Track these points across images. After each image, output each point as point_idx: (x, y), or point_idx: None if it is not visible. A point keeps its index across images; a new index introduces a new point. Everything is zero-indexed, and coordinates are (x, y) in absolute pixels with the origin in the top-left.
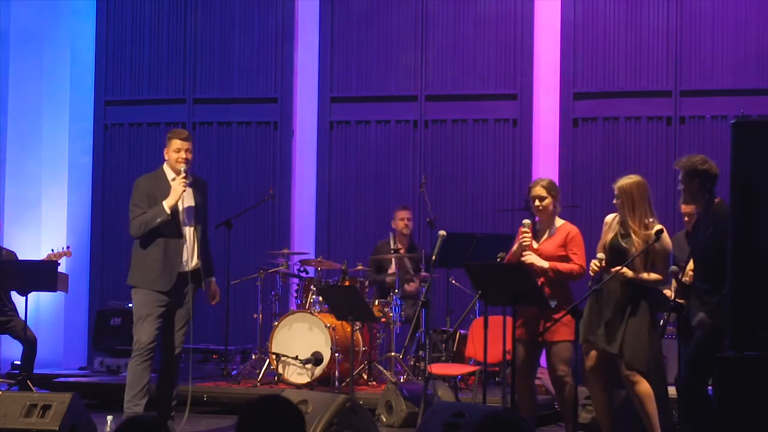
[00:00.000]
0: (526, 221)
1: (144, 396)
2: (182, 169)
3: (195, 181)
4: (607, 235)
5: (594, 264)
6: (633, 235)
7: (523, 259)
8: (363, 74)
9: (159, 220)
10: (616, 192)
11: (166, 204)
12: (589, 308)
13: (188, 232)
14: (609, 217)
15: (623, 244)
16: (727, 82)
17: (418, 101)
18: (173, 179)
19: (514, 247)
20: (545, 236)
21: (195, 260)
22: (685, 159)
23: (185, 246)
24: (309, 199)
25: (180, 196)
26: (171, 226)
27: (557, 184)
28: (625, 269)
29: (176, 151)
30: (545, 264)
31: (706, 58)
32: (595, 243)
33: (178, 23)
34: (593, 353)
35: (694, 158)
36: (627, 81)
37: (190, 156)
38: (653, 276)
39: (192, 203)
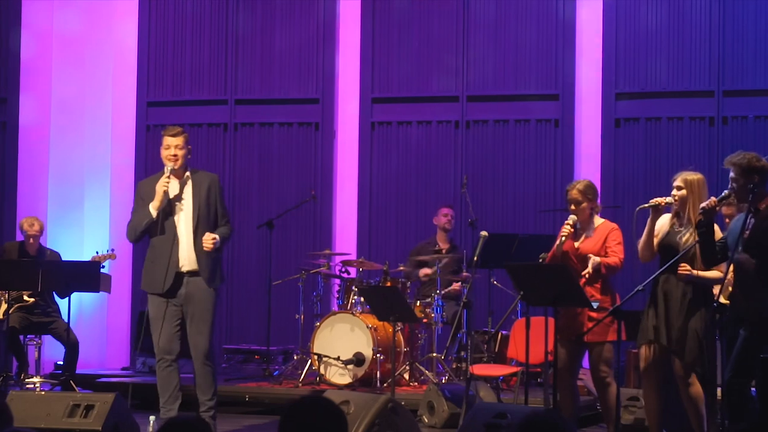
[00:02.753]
0: (573, 216)
1: (175, 400)
2: (168, 168)
3: (196, 178)
4: (660, 233)
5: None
6: (691, 230)
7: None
8: (404, 75)
9: (145, 222)
10: (680, 184)
11: (152, 206)
12: (647, 308)
13: (183, 231)
14: (664, 217)
15: (678, 241)
16: None
17: (460, 102)
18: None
19: (557, 242)
20: (584, 236)
21: (193, 260)
22: (739, 156)
23: (179, 246)
24: (350, 199)
25: (161, 197)
26: (165, 227)
27: (599, 184)
28: (686, 268)
29: (165, 148)
30: (596, 258)
31: (748, 57)
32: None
33: (220, 24)
34: (648, 353)
35: (748, 155)
36: (669, 81)
37: (180, 152)
38: (713, 273)
39: (190, 201)
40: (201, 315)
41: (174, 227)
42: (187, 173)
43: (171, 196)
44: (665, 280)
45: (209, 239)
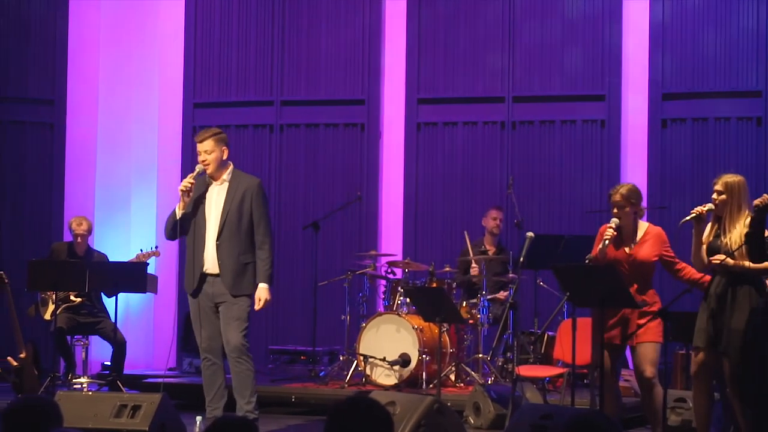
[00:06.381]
0: (615, 219)
1: (220, 399)
2: (197, 168)
3: (234, 182)
4: (705, 241)
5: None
6: (731, 233)
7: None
8: (450, 76)
9: (169, 220)
10: (720, 188)
11: (177, 207)
12: (700, 312)
13: (210, 235)
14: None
15: (720, 245)
16: None
17: (506, 102)
18: None
19: (600, 246)
20: (635, 241)
21: (215, 263)
22: None
23: (205, 248)
24: (396, 200)
25: (181, 197)
26: (195, 229)
27: (645, 185)
28: (727, 259)
29: (198, 155)
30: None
31: None
32: (685, 244)
33: (266, 25)
34: (699, 357)
35: None
36: (716, 81)
37: (210, 157)
38: (762, 264)
39: (221, 205)
40: (231, 313)
41: (203, 229)
42: (225, 176)
43: (206, 198)
44: (717, 284)
45: (260, 302)
